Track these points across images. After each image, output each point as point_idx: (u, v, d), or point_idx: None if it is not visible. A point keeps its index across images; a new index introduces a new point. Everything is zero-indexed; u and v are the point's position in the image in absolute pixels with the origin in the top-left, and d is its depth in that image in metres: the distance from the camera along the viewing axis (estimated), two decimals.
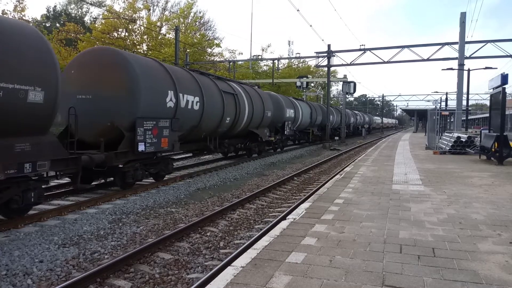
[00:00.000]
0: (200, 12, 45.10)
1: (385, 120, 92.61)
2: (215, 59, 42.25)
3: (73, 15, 49.87)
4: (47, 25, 45.03)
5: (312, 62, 44.33)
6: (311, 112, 29.60)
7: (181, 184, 11.57)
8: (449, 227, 5.55)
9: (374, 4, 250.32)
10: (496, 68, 44.15)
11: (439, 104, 49.34)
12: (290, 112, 23.80)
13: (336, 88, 77.29)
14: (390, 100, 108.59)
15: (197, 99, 11.96)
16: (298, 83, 39.17)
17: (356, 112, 56.37)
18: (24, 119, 6.29)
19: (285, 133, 22.84)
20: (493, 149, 13.73)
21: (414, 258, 4.30)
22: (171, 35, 33.94)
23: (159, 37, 36.43)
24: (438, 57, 27.24)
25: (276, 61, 35.80)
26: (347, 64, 30.61)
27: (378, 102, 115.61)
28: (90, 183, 10.05)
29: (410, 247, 4.69)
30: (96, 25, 37.95)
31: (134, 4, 36.31)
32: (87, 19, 49.99)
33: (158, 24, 39.09)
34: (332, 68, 32.72)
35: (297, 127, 26.72)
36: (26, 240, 6.30)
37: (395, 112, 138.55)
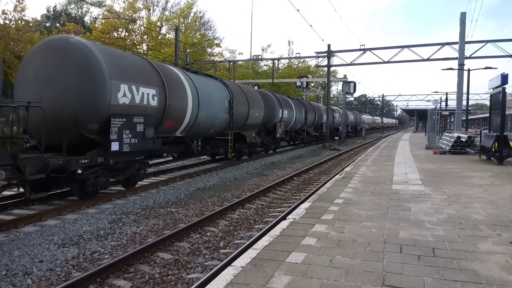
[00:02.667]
0: (200, 12, 45.13)
1: (385, 120, 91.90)
2: (215, 59, 42.26)
3: (73, 15, 49.90)
4: (47, 25, 45.01)
5: (312, 62, 44.32)
6: (230, 99, 14.88)
7: (181, 184, 11.57)
8: (449, 227, 5.55)
9: (373, 3, 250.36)
10: (496, 68, 44.05)
11: (439, 104, 49.37)
12: (145, 95, 9.70)
13: (336, 88, 77.36)
14: (390, 100, 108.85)
15: None
16: (298, 83, 39.16)
17: (335, 108, 42.84)
18: None
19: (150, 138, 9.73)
20: (493, 149, 13.72)
21: (414, 258, 4.30)
22: (171, 35, 33.94)
23: (159, 37, 36.43)
24: (438, 57, 27.27)
25: (276, 61, 35.79)
26: (347, 64, 30.62)
27: (378, 102, 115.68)
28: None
29: (410, 247, 4.69)
30: (96, 25, 37.93)
31: (134, 4, 36.31)
32: (87, 19, 50.09)
33: (158, 24, 39.10)
34: (332, 68, 32.72)
35: (188, 131, 12.18)
36: (26, 240, 6.30)
37: (395, 112, 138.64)
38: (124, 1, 37.08)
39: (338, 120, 39.28)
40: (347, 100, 68.19)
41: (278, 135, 21.46)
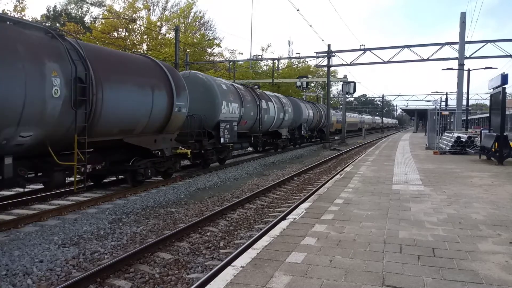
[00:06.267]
0: (200, 12, 45.12)
1: (385, 120, 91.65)
2: (215, 59, 42.24)
3: (73, 15, 49.85)
4: (47, 25, 44.95)
5: (312, 62, 44.31)
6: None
7: (181, 184, 11.57)
8: (449, 227, 5.55)
9: (373, 3, 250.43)
10: (496, 68, 44.25)
11: (439, 104, 49.32)
12: None
13: (336, 88, 77.33)
14: (390, 100, 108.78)
15: None
16: (298, 83, 39.14)
17: (280, 96, 24.22)
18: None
19: None
20: (493, 149, 13.72)
21: (414, 258, 4.30)
22: (171, 35, 33.92)
23: (159, 37, 36.42)
24: (438, 57, 27.25)
25: (276, 61, 35.76)
26: (347, 64, 30.61)
27: (378, 102, 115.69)
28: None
29: (410, 247, 4.69)
30: (96, 25, 37.92)
31: (134, 4, 36.30)
32: (87, 19, 49.99)
33: (158, 24, 39.06)
34: (332, 68, 32.70)
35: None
36: (26, 240, 6.31)
37: (395, 112, 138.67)
38: (124, 1, 37.12)
39: (288, 121, 23.46)
40: (347, 100, 67.98)
41: None
